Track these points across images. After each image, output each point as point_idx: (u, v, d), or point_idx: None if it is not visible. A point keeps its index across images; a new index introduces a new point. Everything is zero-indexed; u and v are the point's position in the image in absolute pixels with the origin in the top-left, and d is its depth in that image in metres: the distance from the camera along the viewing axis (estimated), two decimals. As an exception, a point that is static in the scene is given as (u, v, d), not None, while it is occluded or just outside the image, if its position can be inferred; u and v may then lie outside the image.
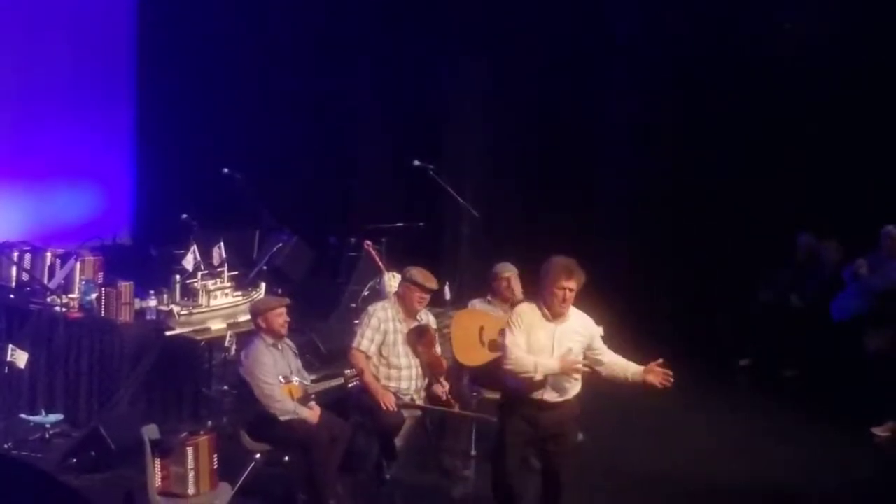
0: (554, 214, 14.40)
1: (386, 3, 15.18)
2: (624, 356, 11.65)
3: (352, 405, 9.12)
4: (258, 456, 8.52)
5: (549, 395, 7.57)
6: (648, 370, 7.69)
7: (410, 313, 8.97)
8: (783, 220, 12.84)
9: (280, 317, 8.61)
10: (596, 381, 11.32)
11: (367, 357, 8.78)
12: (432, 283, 8.96)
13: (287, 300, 8.85)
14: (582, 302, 12.16)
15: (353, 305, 11.00)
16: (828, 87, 12.95)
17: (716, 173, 13.69)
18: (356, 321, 9.09)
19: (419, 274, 8.93)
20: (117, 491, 8.12)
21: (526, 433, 7.60)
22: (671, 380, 7.63)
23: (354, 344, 8.81)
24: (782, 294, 12.24)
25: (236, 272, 10.55)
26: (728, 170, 13.64)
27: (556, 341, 7.54)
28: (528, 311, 7.64)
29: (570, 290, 7.49)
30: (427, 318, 9.14)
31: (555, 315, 7.55)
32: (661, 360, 7.69)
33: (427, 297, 9.00)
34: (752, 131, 13.54)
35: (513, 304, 9.68)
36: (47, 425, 9.59)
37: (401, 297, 9.01)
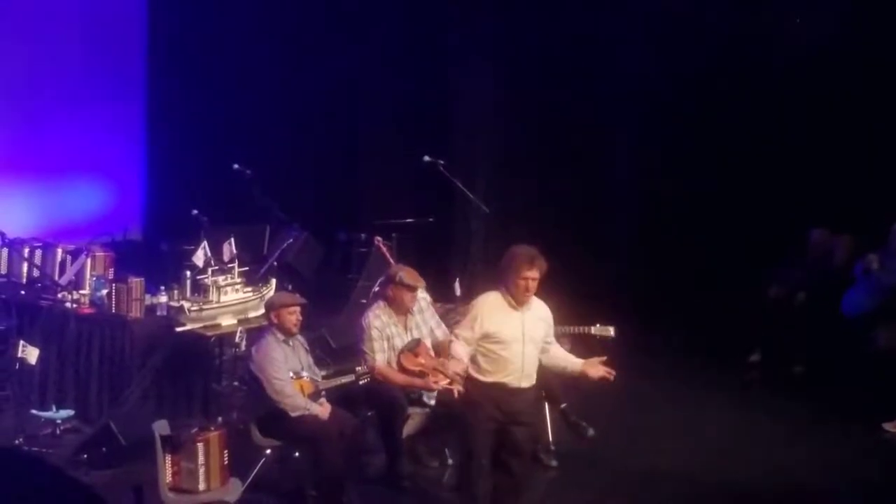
0: (564, 210, 14.40)
1: (396, 0, 15.20)
2: (633, 353, 11.76)
3: (362, 401, 9.15)
4: (268, 451, 8.54)
5: (525, 382, 7.57)
6: (589, 363, 7.78)
7: (402, 311, 9.17)
8: (794, 216, 12.81)
9: (293, 315, 8.62)
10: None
11: (389, 364, 8.98)
12: (420, 282, 9.23)
13: (303, 300, 8.86)
14: (591, 297, 12.22)
15: (364, 301, 10.99)
16: (840, 83, 12.92)
17: (726, 168, 13.68)
18: (359, 342, 9.13)
19: (407, 275, 9.16)
20: (128, 487, 8.11)
21: (496, 419, 7.51)
22: (612, 377, 7.75)
23: (371, 363, 8.94)
24: (792, 290, 12.21)
25: (246, 268, 10.55)
26: (739, 164, 13.63)
27: (525, 328, 7.54)
28: (490, 301, 7.61)
29: (533, 279, 7.49)
30: (424, 303, 9.37)
31: (519, 304, 7.53)
32: (604, 358, 7.81)
33: (416, 295, 9.20)
34: (761, 127, 13.51)
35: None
36: (58, 421, 9.61)
37: (391, 298, 9.16)
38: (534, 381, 7.65)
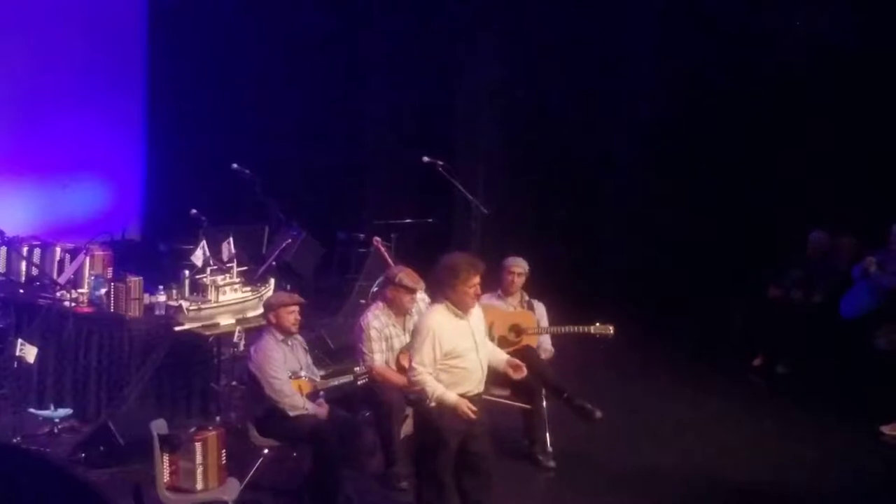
0: (563, 211, 14.42)
1: (396, 1, 15.21)
2: (633, 353, 11.77)
3: (360, 401, 9.15)
4: (266, 451, 8.53)
5: (482, 387, 7.51)
6: (510, 362, 7.70)
7: (401, 312, 9.18)
8: (794, 217, 12.82)
9: (292, 314, 8.61)
10: (605, 379, 11.43)
11: (387, 365, 9.00)
12: (420, 284, 9.22)
13: (301, 299, 8.85)
14: (591, 296, 12.22)
15: (363, 301, 11.00)
16: (840, 85, 12.92)
17: (726, 169, 13.69)
18: (358, 342, 9.12)
19: (406, 277, 9.16)
20: (125, 486, 8.10)
21: (458, 434, 7.38)
22: (523, 372, 7.68)
23: (369, 363, 8.95)
24: (792, 291, 12.22)
25: (245, 267, 10.54)
26: (739, 165, 13.63)
27: (475, 335, 7.48)
28: (439, 319, 7.43)
29: (479, 283, 7.44)
30: (423, 304, 9.29)
31: (467, 312, 7.45)
32: (520, 364, 7.71)
33: (415, 296, 9.21)
34: (763, 128, 13.52)
35: (521, 300, 9.77)
36: (56, 420, 9.61)
37: (390, 300, 9.18)
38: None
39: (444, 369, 7.37)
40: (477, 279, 7.38)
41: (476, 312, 7.60)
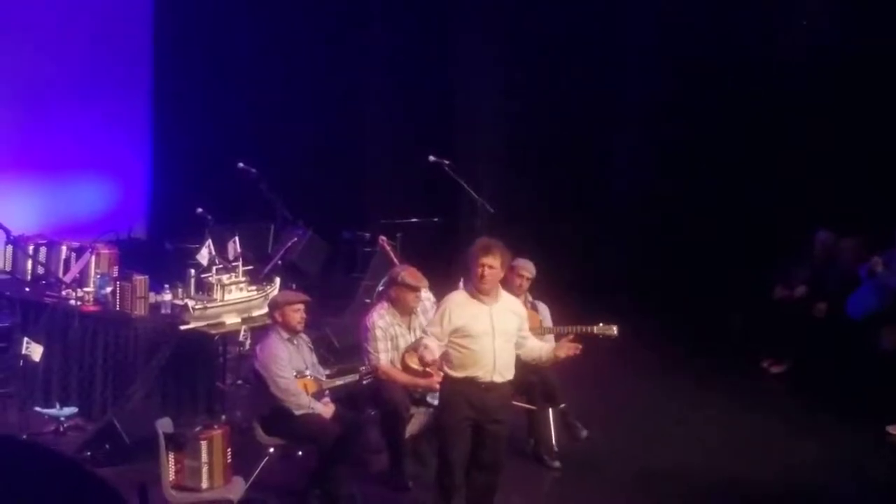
0: (569, 210, 14.43)
1: (396, 1, 15.24)
2: (635, 353, 11.78)
3: (365, 400, 9.17)
4: (272, 450, 8.55)
5: (497, 377, 7.56)
6: (559, 346, 7.89)
7: (406, 311, 9.19)
8: (799, 216, 12.83)
9: (297, 312, 8.63)
10: (607, 379, 11.45)
11: (392, 364, 9.02)
12: (423, 282, 9.25)
13: (306, 297, 8.86)
14: (594, 296, 12.23)
15: (368, 301, 11.01)
16: (840, 85, 12.94)
17: (730, 167, 13.70)
18: (363, 341, 9.15)
19: (409, 276, 9.19)
20: (131, 484, 8.12)
21: (470, 417, 7.52)
22: (579, 350, 7.82)
23: (374, 362, 8.96)
24: (797, 290, 12.22)
25: (251, 266, 10.56)
26: (743, 164, 13.65)
27: (494, 321, 7.53)
28: (458, 296, 7.66)
29: (490, 266, 7.48)
30: (429, 303, 9.35)
31: (482, 293, 7.54)
32: (571, 337, 7.94)
33: (419, 295, 9.22)
34: (763, 128, 13.54)
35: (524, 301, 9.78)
36: (62, 418, 9.63)
37: (394, 299, 9.19)
38: (508, 378, 7.65)
39: (454, 347, 7.52)
40: (486, 259, 7.45)
41: (509, 306, 7.71)
